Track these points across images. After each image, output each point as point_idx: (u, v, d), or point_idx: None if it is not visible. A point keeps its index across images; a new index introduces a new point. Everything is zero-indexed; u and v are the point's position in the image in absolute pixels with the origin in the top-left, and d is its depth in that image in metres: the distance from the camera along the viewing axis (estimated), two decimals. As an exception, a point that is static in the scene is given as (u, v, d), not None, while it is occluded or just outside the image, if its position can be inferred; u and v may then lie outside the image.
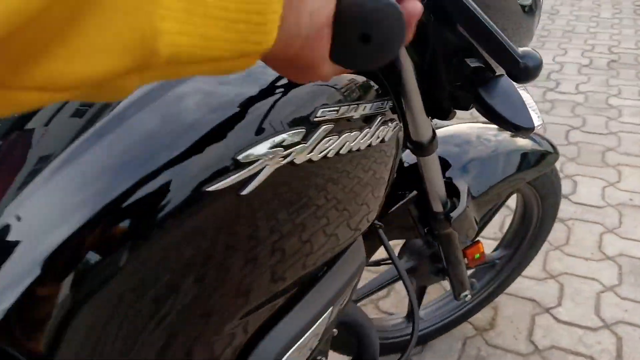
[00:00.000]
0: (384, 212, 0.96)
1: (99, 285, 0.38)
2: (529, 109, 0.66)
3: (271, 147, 0.44)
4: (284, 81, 0.48)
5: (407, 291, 0.82)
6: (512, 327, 1.40)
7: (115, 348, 0.41)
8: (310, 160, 0.48)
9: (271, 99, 0.46)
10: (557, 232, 1.71)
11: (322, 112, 0.49)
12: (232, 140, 0.43)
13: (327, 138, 0.49)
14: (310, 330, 0.59)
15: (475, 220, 1.01)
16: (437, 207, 0.93)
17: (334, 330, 0.82)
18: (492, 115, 0.64)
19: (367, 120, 0.55)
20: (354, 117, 0.52)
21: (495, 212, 1.28)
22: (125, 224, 0.38)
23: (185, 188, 0.40)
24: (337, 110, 0.50)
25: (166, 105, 0.42)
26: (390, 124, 0.60)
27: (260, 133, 0.44)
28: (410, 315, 1.33)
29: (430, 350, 1.36)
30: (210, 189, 0.41)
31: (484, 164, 1.01)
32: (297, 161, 0.47)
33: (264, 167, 0.44)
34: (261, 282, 0.49)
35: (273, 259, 0.48)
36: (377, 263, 1.23)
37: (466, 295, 1.19)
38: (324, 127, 0.49)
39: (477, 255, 1.18)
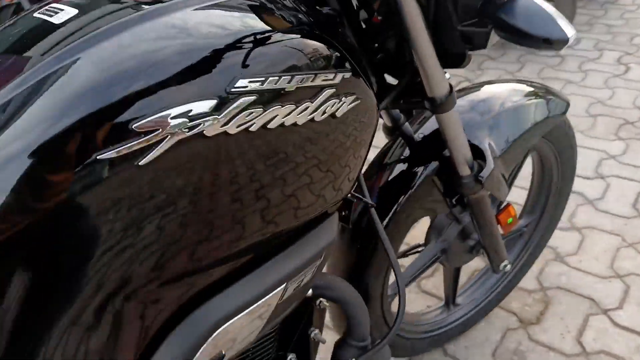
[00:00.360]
0: (398, 191, 0.92)
1: None
2: (559, 20, 0.63)
3: (174, 117, 0.43)
4: (202, 45, 0.46)
5: (397, 280, 0.78)
6: (561, 325, 1.29)
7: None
8: (226, 133, 0.46)
9: (183, 64, 0.45)
10: (632, 229, 1.53)
11: (243, 82, 0.46)
12: (133, 108, 0.42)
13: (248, 111, 0.47)
14: (256, 304, 0.58)
15: (504, 177, 0.97)
16: (465, 170, 0.88)
17: (325, 304, 0.81)
18: (519, 35, 0.62)
19: (308, 93, 0.51)
20: (287, 89, 0.49)
21: (516, 174, 1.22)
22: (17, 184, 0.40)
23: (80, 155, 0.41)
24: (263, 81, 0.47)
25: (72, 69, 0.43)
26: (344, 98, 0.55)
27: (163, 101, 0.43)
28: (447, 303, 1.27)
29: (466, 339, 1.30)
30: (102, 156, 0.41)
31: (500, 121, 0.98)
32: (208, 133, 0.45)
33: (165, 137, 0.43)
34: (188, 252, 0.49)
35: (189, 229, 0.48)
36: (404, 254, 1.18)
37: (505, 265, 1.14)
38: (244, 98, 0.46)
39: (510, 220, 1.13)
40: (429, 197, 0.97)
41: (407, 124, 0.95)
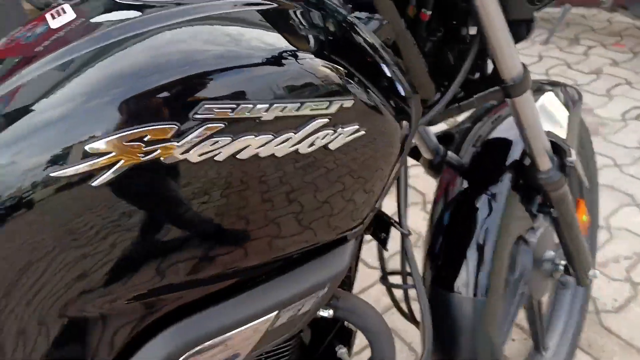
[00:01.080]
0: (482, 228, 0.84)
1: None
2: None
3: (127, 141, 0.42)
4: (165, 64, 0.43)
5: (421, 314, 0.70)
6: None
7: None
8: (186, 161, 0.44)
9: (143, 84, 0.43)
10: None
11: (208, 107, 0.43)
12: (86, 128, 0.42)
13: (214, 139, 0.44)
14: (239, 329, 0.56)
15: None
16: (546, 163, 0.83)
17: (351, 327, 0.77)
18: None
19: (291, 123, 0.46)
20: (263, 118, 0.45)
21: None
22: None
23: (34, 171, 0.42)
24: (233, 109, 0.44)
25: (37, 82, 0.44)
26: (342, 128, 0.49)
27: (118, 123, 0.42)
28: (537, 347, 1.15)
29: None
30: (55, 174, 0.41)
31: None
32: (165, 160, 0.43)
33: (118, 161, 0.42)
34: (151, 269, 0.48)
35: (143, 250, 0.46)
36: None
37: (594, 275, 1.06)
38: (209, 125, 0.43)
39: (584, 217, 1.07)
40: (513, 218, 0.87)
41: (450, 152, 0.85)
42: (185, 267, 0.49)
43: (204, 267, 0.50)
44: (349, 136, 0.50)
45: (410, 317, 0.87)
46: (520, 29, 0.71)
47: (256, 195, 0.48)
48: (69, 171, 0.41)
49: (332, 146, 0.49)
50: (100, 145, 0.41)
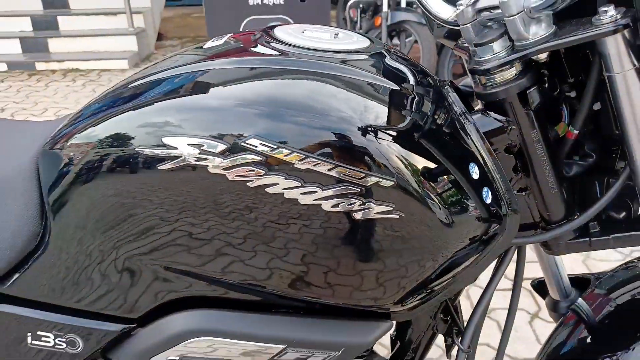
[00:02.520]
0: None
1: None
2: None
3: (189, 144, 0.51)
4: (240, 96, 0.52)
5: None
6: None
7: None
8: (225, 177, 0.51)
9: (219, 100, 0.52)
10: None
11: (255, 141, 0.50)
12: (171, 124, 0.53)
13: (250, 167, 0.50)
14: (243, 342, 0.60)
15: None
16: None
17: None
18: None
19: (320, 178, 0.49)
20: (296, 166, 0.49)
21: None
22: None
23: (128, 147, 0.55)
24: (274, 149, 0.49)
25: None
26: (373, 204, 0.49)
27: (190, 130, 0.52)
28: None
29: None
30: (139, 150, 0.54)
31: None
32: (210, 170, 0.51)
33: (180, 156, 0.52)
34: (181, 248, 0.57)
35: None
36: None
37: None
38: (251, 155, 0.50)
39: None
40: None
41: (581, 299, 0.71)
42: (204, 261, 0.56)
43: (228, 270, 0.56)
44: (379, 214, 0.51)
45: None
46: None
47: (275, 229, 0.53)
48: (147, 152, 0.53)
49: (357, 216, 0.51)
50: (172, 141, 0.52)
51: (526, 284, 0.87)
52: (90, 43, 5.46)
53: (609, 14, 0.51)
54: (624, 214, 0.66)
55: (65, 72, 5.03)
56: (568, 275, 0.84)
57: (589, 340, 0.77)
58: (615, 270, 0.86)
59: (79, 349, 0.65)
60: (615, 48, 0.52)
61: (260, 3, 4.18)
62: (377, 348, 0.76)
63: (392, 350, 0.82)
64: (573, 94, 0.62)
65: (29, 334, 0.65)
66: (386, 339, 0.80)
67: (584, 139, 0.64)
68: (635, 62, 0.53)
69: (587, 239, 0.66)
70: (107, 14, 5.66)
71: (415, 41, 3.68)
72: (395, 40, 3.93)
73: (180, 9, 7.90)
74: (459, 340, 0.71)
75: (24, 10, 5.88)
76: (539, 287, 0.87)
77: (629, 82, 0.54)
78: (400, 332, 0.80)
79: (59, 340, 0.65)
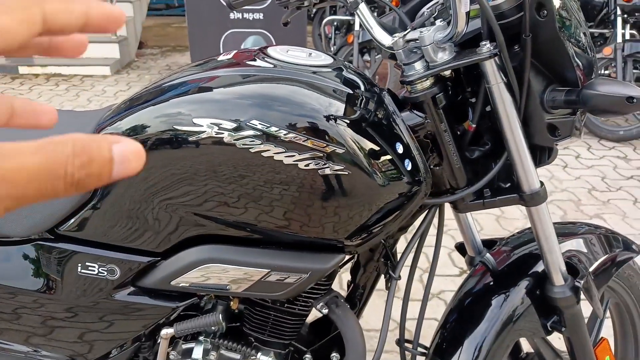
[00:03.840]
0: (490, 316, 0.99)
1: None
2: (632, 85, 0.78)
3: (211, 123, 0.77)
4: (245, 92, 0.78)
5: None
6: None
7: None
8: (235, 145, 0.77)
9: (233, 94, 0.78)
10: None
11: (255, 122, 0.76)
12: (199, 109, 0.79)
13: (251, 139, 0.76)
14: (243, 267, 0.85)
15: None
16: (559, 279, 0.94)
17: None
18: (605, 101, 0.76)
19: (297, 147, 0.75)
20: (282, 138, 0.75)
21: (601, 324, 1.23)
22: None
23: (167, 125, 0.80)
24: (268, 127, 0.75)
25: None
26: (331, 164, 0.76)
27: (212, 113, 0.77)
28: None
29: None
30: (178, 127, 0.79)
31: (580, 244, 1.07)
32: (225, 141, 0.77)
33: (204, 131, 0.78)
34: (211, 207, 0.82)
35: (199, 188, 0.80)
36: None
37: None
38: (252, 131, 0.76)
39: (607, 358, 1.12)
40: (523, 319, 0.99)
41: (488, 255, 0.99)
42: (224, 207, 0.81)
43: (235, 213, 0.82)
44: (334, 171, 0.77)
45: None
46: (542, 154, 0.88)
47: (266, 181, 0.78)
48: (183, 128, 0.79)
49: (320, 172, 0.77)
50: (199, 119, 0.78)
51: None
52: (73, 49, 5.63)
53: (486, 46, 0.79)
54: (509, 184, 0.94)
55: (48, 77, 5.18)
56: (481, 238, 1.12)
57: (491, 283, 1.04)
58: (516, 235, 1.14)
59: (116, 276, 0.89)
60: (491, 68, 0.81)
61: (240, 17, 4.44)
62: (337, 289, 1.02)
63: (347, 290, 1.09)
64: (473, 99, 0.90)
65: (79, 265, 0.89)
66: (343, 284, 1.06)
67: (483, 132, 0.92)
68: (503, 78, 0.81)
69: (482, 200, 0.93)
70: (90, 21, 5.83)
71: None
72: (367, 57, 4.22)
73: (161, 19, 8.12)
74: (393, 271, 0.97)
75: (7, 15, 6.00)
76: (461, 248, 1.14)
77: (501, 91, 0.82)
78: (353, 275, 1.07)
79: (101, 269, 0.89)
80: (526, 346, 1.17)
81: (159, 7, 8.41)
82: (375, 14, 0.95)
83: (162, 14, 8.50)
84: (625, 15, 3.80)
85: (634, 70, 3.77)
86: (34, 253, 0.89)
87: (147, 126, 0.81)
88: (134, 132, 0.81)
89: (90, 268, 0.89)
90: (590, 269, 1.02)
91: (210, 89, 0.80)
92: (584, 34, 0.82)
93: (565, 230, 1.11)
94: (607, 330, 1.24)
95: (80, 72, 5.31)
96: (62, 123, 0.97)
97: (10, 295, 0.91)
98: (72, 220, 0.87)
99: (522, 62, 0.79)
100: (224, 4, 0.96)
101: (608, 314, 1.29)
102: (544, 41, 0.77)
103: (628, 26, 3.85)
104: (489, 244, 1.10)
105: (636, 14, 3.77)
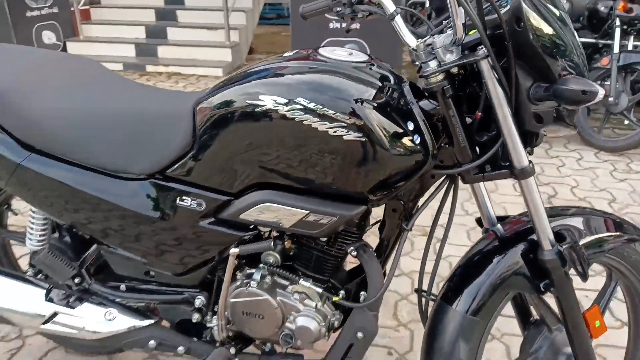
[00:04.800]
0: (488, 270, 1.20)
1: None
2: (593, 84, 0.98)
3: (272, 99, 1.07)
4: (298, 78, 1.08)
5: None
6: None
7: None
8: (285, 116, 1.07)
9: (289, 79, 1.08)
10: None
11: (300, 99, 1.06)
12: (264, 89, 1.10)
13: (299, 112, 1.06)
14: (290, 207, 1.15)
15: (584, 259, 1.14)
16: (547, 244, 1.14)
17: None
18: (570, 93, 0.97)
19: (328, 119, 1.04)
20: (318, 111, 1.04)
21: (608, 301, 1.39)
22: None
23: (240, 101, 1.12)
24: (308, 103, 1.05)
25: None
26: (351, 131, 1.03)
27: (271, 91, 1.08)
28: None
29: None
30: (249, 101, 1.11)
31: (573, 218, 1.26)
32: (279, 111, 1.07)
33: (265, 105, 1.09)
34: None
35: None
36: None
37: None
38: (297, 105, 1.06)
39: (598, 323, 1.25)
40: (516, 276, 1.19)
41: (499, 225, 1.21)
42: (278, 159, 1.12)
43: (285, 164, 1.11)
44: (353, 137, 1.05)
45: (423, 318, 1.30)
46: (531, 139, 1.09)
47: (309, 144, 1.08)
48: (252, 102, 1.11)
49: (344, 137, 1.05)
50: (263, 97, 1.09)
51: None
52: (192, 52, 6.34)
53: (482, 50, 1.03)
54: (507, 163, 1.15)
55: (169, 75, 5.91)
56: (497, 215, 1.32)
57: (495, 246, 1.23)
58: (526, 212, 1.33)
59: (202, 208, 1.23)
60: (485, 67, 1.04)
61: (339, 27, 4.80)
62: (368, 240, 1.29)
63: (376, 246, 1.36)
64: (481, 93, 1.13)
65: (178, 198, 1.24)
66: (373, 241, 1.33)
67: (491, 120, 1.14)
68: (495, 75, 1.05)
69: (482, 174, 1.16)
70: (209, 28, 6.52)
71: None
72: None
73: (270, 28, 8.78)
74: (405, 224, 1.22)
75: (140, 21, 6.88)
76: (479, 221, 1.36)
77: (495, 85, 1.05)
78: (380, 232, 1.33)
79: (192, 203, 1.23)
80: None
81: (270, 16, 9.08)
82: (414, 22, 1.22)
83: (272, 23, 9.17)
84: (625, 27, 3.76)
85: None
86: (149, 188, 1.26)
87: (231, 101, 1.13)
88: (222, 105, 1.14)
89: (185, 201, 1.23)
90: (582, 241, 1.19)
91: (274, 75, 1.12)
92: (563, 40, 1.02)
93: (570, 211, 1.29)
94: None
95: (197, 72, 5.98)
96: (172, 99, 1.34)
97: (130, 217, 1.28)
98: (176, 166, 1.22)
99: (509, 62, 1.02)
100: (300, 13, 1.28)
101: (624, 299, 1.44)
102: (521, 46, 0.99)
103: (632, 38, 3.80)
104: (503, 218, 1.31)
105: (638, 25, 3.71)
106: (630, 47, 3.82)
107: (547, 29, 1.00)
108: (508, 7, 1.00)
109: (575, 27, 4.42)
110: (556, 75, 1.02)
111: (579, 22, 4.34)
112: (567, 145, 3.95)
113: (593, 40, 4.12)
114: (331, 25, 4.77)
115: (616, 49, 3.73)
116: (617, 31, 3.74)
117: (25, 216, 2.67)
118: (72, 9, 6.70)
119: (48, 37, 6.38)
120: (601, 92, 0.96)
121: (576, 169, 3.56)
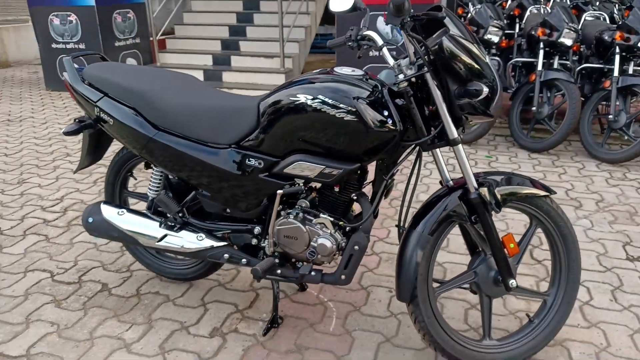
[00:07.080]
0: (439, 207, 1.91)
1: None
2: (483, 86, 1.68)
3: (304, 96, 1.82)
4: (321, 85, 1.83)
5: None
6: None
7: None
8: (311, 106, 1.81)
9: (317, 85, 1.83)
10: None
11: (321, 96, 1.79)
12: (301, 90, 1.85)
13: (323, 105, 1.79)
14: (316, 164, 1.89)
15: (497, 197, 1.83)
16: (472, 189, 1.79)
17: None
18: (469, 91, 1.68)
19: (336, 107, 1.77)
20: (329, 103, 1.78)
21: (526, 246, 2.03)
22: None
23: (289, 98, 1.89)
24: (325, 99, 1.79)
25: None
26: (347, 115, 1.77)
27: (305, 91, 1.82)
28: (484, 335, 2.00)
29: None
30: (291, 98, 1.86)
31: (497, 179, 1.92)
32: (310, 104, 1.81)
33: (300, 100, 1.83)
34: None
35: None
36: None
37: (512, 283, 1.86)
38: (319, 100, 1.80)
39: (512, 245, 1.88)
40: (455, 211, 1.84)
41: (450, 181, 1.89)
42: (313, 131, 1.87)
43: (317, 136, 1.86)
44: (350, 118, 1.78)
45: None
46: (459, 122, 1.76)
47: (332, 122, 1.80)
48: (294, 99, 1.86)
49: (346, 118, 1.78)
50: (300, 96, 1.84)
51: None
52: (252, 77, 7.26)
53: (425, 67, 1.75)
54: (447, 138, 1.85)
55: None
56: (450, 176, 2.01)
57: (447, 191, 1.89)
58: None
59: (262, 166, 1.98)
60: (429, 77, 1.75)
61: (378, 55, 5.57)
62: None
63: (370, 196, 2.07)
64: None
65: (247, 159, 1.99)
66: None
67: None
68: (435, 82, 1.76)
69: (433, 144, 1.85)
70: (266, 56, 7.43)
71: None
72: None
73: (321, 56, 9.68)
74: (385, 175, 1.93)
75: (208, 50, 7.88)
76: (440, 182, 2.05)
77: (435, 88, 1.75)
78: (373, 186, 2.04)
79: (256, 162, 1.98)
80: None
81: (321, 45, 9.99)
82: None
83: (323, 51, 10.08)
84: (624, 53, 4.32)
85: None
86: (231, 153, 2.02)
87: (280, 99, 1.90)
88: (277, 102, 1.90)
89: (251, 161, 1.99)
90: (498, 189, 1.83)
91: (307, 83, 1.87)
92: (474, 60, 1.72)
93: (497, 173, 1.95)
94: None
95: (256, 94, 6.86)
96: (245, 99, 2.21)
97: (217, 171, 2.05)
98: (247, 139, 1.99)
99: (441, 75, 1.74)
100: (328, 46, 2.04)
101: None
102: (446, 64, 1.71)
103: (632, 63, 4.34)
104: (454, 178, 2.00)
105: (637, 52, 4.27)
106: (630, 71, 4.38)
107: (461, 55, 1.71)
108: (439, 41, 1.72)
109: (586, 54, 5.01)
110: (467, 81, 1.72)
111: (589, 49, 4.92)
112: (573, 158, 4.51)
113: (600, 65, 4.70)
114: (371, 54, 5.55)
115: (616, 73, 4.30)
116: (617, 57, 4.31)
117: (139, 185, 3.60)
118: (151, 39, 7.81)
119: (131, 63, 7.49)
120: (485, 90, 1.66)
121: (576, 176, 4.11)
